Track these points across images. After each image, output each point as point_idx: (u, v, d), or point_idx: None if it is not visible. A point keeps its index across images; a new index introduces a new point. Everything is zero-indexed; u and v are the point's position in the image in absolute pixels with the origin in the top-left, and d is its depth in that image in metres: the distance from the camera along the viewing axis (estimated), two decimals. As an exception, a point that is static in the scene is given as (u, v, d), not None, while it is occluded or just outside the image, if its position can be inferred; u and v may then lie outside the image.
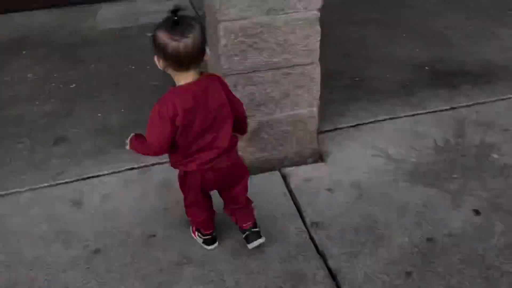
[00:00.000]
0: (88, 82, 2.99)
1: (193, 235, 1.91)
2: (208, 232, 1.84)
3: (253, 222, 1.80)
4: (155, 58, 1.46)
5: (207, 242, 1.86)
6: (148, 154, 1.64)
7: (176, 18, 1.37)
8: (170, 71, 1.48)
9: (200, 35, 1.41)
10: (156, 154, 1.60)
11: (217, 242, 1.87)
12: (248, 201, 1.81)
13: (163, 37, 1.39)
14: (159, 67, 1.48)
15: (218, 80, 1.57)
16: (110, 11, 4.04)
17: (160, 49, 1.41)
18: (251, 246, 1.79)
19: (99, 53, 3.35)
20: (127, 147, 1.64)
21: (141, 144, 1.59)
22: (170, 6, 1.38)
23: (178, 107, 1.44)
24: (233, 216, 1.81)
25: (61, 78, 3.05)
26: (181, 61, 1.42)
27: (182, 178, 1.68)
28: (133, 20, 3.81)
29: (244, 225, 1.79)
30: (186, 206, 1.79)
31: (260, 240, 1.79)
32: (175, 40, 1.38)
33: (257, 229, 1.80)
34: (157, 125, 1.49)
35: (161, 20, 1.42)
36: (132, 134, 1.64)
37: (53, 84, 2.99)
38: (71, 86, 2.96)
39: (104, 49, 3.40)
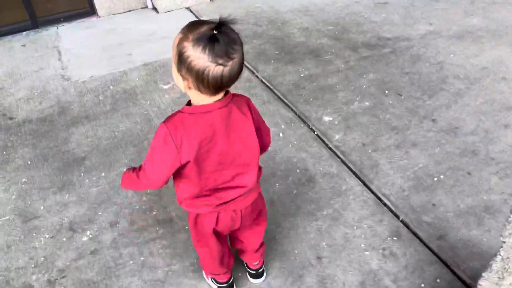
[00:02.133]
0: None
1: (205, 276, 1.72)
2: (223, 281, 1.63)
3: (262, 261, 1.68)
4: (178, 78, 1.15)
5: None
6: (141, 189, 1.35)
7: (215, 33, 1.06)
8: (193, 93, 1.17)
9: (242, 53, 1.13)
10: (150, 187, 1.30)
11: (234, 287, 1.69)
12: (262, 243, 1.62)
13: (200, 58, 1.07)
14: (180, 86, 1.17)
15: (247, 103, 1.26)
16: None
17: (194, 73, 1.09)
18: (254, 282, 1.71)
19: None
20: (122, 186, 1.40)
21: (130, 179, 1.33)
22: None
23: (192, 134, 1.16)
24: (242, 253, 1.64)
25: None
26: (220, 87, 1.13)
27: (193, 221, 1.40)
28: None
29: (253, 264, 1.66)
30: (196, 247, 1.52)
31: (263, 278, 1.70)
32: (219, 65, 1.08)
33: (263, 269, 1.70)
34: (159, 152, 1.20)
35: (189, 32, 1.09)
36: (124, 170, 1.39)
37: None
38: None
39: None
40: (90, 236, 1.92)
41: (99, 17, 4.03)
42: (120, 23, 3.88)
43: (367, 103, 2.57)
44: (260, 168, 1.35)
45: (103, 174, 2.23)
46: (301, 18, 3.64)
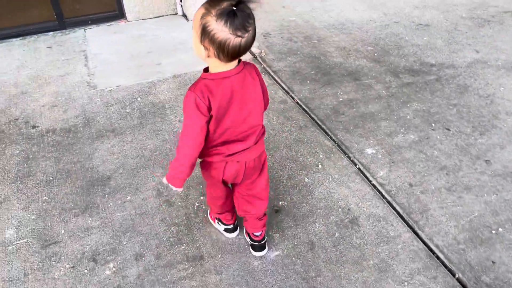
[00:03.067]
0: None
1: (211, 220, 1.97)
2: (229, 223, 1.90)
3: (264, 233, 1.82)
4: (200, 47, 1.31)
5: (229, 230, 1.91)
6: (188, 160, 1.46)
7: (235, 9, 1.23)
8: (211, 60, 1.34)
9: (255, 26, 1.31)
10: (195, 151, 1.45)
11: (238, 230, 1.92)
12: (264, 214, 1.80)
13: (223, 31, 1.24)
14: (200, 55, 1.34)
15: (255, 70, 1.47)
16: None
17: (216, 43, 1.26)
18: (255, 254, 1.85)
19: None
20: (174, 187, 1.53)
21: (174, 161, 1.49)
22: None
23: (215, 95, 1.36)
24: (246, 221, 1.81)
25: None
26: (238, 55, 1.31)
27: (205, 168, 1.61)
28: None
29: (255, 234, 1.81)
30: (207, 194, 1.79)
31: (265, 251, 1.86)
32: (239, 36, 1.25)
33: (264, 241, 1.84)
34: (194, 115, 1.38)
35: (211, 7, 1.24)
36: (165, 181, 1.55)
37: None
38: None
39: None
40: (114, 269, 1.77)
41: (128, 21, 3.91)
42: (149, 29, 3.75)
43: (412, 136, 2.39)
44: (263, 127, 1.55)
45: (128, 197, 2.09)
46: (338, 36, 3.48)
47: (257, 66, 3.12)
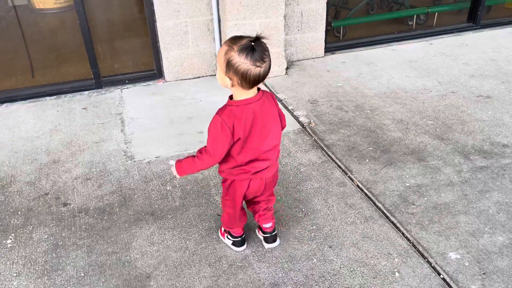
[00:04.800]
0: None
1: (221, 236, 2.09)
2: (237, 235, 2.01)
3: (273, 224, 2.00)
4: (225, 78, 1.54)
5: (236, 244, 2.02)
6: (204, 167, 1.69)
7: (253, 44, 1.48)
8: (235, 89, 1.57)
9: (270, 57, 1.54)
10: (210, 165, 1.68)
11: (245, 244, 2.04)
12: (272, 207, 1.99)
13: (244, 63, 1.48)
14: (225, 85, 1.57)
15: (272, 97, 1.70)
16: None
17: (240, 73, 1.50)
18: (268, 246, 2.04)
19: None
20: (177, 175, 1.74)
21: (192, 163, 1.69)
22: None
23: (240, 119, 1.57)
24: (256, 213, 1.97)
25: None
26: (258, 82, 1.54)
27: (228, 185, 1.79)
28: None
29: (265, 226, 1.99)
30: (223, 206, 1.92)
31: (277, 243, 2.04)
32: (258, 67, 1.50)
33: (275, 232, 2.03)
34: (219, 136, 1.59)
35: (233, 44, 1.49)
36: (172, 163, 1.76)
37: None
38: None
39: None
40: None
41: (166, 81, 3.75)
42: (188, 91, 3.57)
43: (500, 238, 2.05)
44: (279, 147, 1.76)
45: (172, 306, 1.77)
46: (392, 106, 3.22)
47: (308, 138, 2.86)
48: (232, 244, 2.02)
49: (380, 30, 4.67)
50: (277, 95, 3.46)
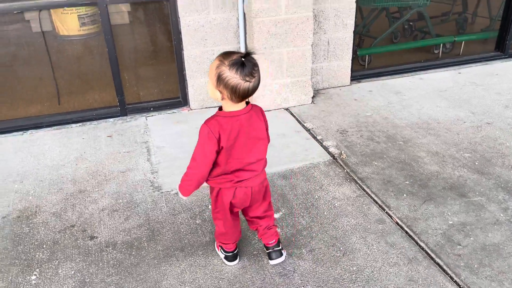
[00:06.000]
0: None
1: (216, 249, 2.13)
2: (229, 250, 2.04)
3: (277, 240, 2.03)
4: (216, 91, 1.63)
5: (228, 258, 2.05)
6: (196, 178, 1.76)
7: (243, 60, 1.57)
8: (225, 102, 1.66)
9: (259, 72, 1.64)
10: (202, 172, 1.74)
11: (238, 259, 2.07)
12: (274, 225, 2.05)
13: (234, 77, 1.57)
14: (215, 98, 1.65)
15: (261, 111, 1.79)
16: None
17: (229, 87, 1.59)
18: (273, 262, 2.04)
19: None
20: (182, 196, 1.83)
21: (185, 176, 1.79)
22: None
23: (225, 129, 1.66)
24: (259, 232, 2.03)
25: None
26: (247, 96, 1.63)
27: (215, 195, 1.85)
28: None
29: (269, 242, 2.02)
30: (214, 220, 1.97)
31: (282, 258, 2.04)
32: (247, 81, 1.59)
33: (279, 248, 2.04)
34: (205, 144, 1.68)
35: (224, 59, 1.58)
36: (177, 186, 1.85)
37: None
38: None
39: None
40: None
41: (191, 109, 3.71)
42: (214, 119, 3.52)
43: (559, 284, 1.90)
44: (265, 160, 1.84)
45: None
46: (425, 138, 3.11)
47: (340, 171, 2.76)
48: (224, 258, 2.06)
49: (405, 58, 4.61)
50: (304, 124, 3.38)
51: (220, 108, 1.72)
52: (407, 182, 2.62)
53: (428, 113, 3.48)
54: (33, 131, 3.33)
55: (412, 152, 2.95)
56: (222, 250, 2.06)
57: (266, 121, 1.81)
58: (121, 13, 5.56)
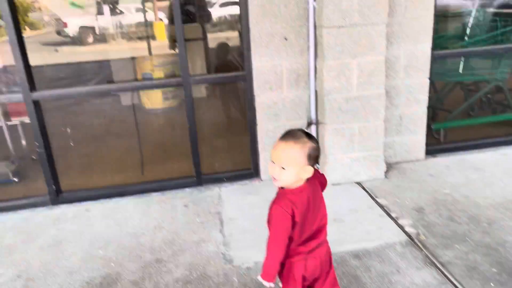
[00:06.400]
0: None
1: None
2: None
3: None
4: (305, 170, 1.69)
5: None
6: (279, 261, 1.76)
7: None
8: (296, 180, 1.72)
9: None
10: (283, 252, 1.75)
11: None
12: None
13: (316, 148, 1.71)
14: (297, 180, 1.71)
15: (318, 181, 1.85)
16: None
17: (312, 159, 1.70)
18: None
19: None
20: (268, 283, 1.77)
21: (266, 261, 1.77)
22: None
23: (298, 206, 1.70)
24: None
25: None
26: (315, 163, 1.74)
27: (288, 270, 1.83)
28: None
29: None
30: None
31: None
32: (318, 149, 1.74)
33: None
34: (281, 224, 1.70)
35: (298, 137, 1.71)
36: (260, 279, 1.78)
37: None
38: None
39: None
40: None
41: (262, 180, 3.81)
42: (284, 192, 3.58)
43: None
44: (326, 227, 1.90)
45: None
46: (513, 220, 2.89)
47: (418, 253, 2.61)
48: None
49: (484, 132, 4.41)
50: (377, 199, 3.30)
51: (281, 188, 1.76)
52: (494, 270, 2.41)
53: (515, 192, 3.24)
54: (119, 198, 3.60)
55: (499, 235, 2.72)
56: None
57: (320, 179, 1.87)
58: (200, 88, 6.06)
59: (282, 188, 1.76)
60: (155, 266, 2.66)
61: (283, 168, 1.68)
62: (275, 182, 1.73)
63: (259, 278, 1.79)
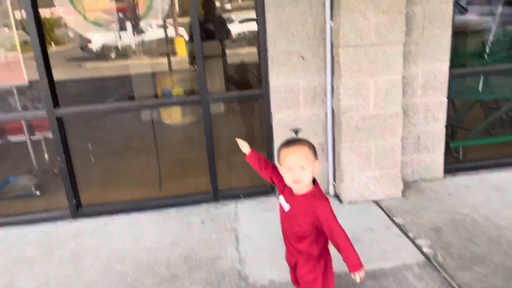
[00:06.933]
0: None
1: None
2: None
3: None
4: (313, 166, 1.88)
5: None
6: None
7: None
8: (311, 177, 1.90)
9: None
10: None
11: None
12: None
13: (312, 144, 1.93)
14: (310, 177, 1.88)
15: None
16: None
17: (315, 154, 1.91)
18: None
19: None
20: (363, 272, 1.82)
21: (353, 252, 1.82)
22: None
23: None
24: None
25: None
26: None
27: (323, 265, 1.99)
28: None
29: None
30: None
31: None
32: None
33: None
34: (335, 215, 1.85)
35: (302, 141, 1.92)
36: (357, 276, 1.80)
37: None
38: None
39: None
40: None
41: (277, 197, 3.82)
42: (300, 209, 3.57)
43: None
44: None
45: None
46: (535, 243, 2.81)
47: (436, 275, 2.57)
48: None
49: (506, 151, 4.32)
50: (394, 219, 3.26)
51: (313, 182, 1.94)
52: (516, 295, 2.35)
53: (537, 214, 3.16)
54: (137, 213, 3.66)
55: (521, 258, 2.66)
56: None
57: None
58: (218, 104, 6.13)
59: (303, 194, 1.90)
60: (171, 283, 2.69)
61: (302, 168, 1.83)
62: (299, 184, 1.85)
63: (357, 274, 1.79)
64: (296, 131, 1.95)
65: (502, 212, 3.23)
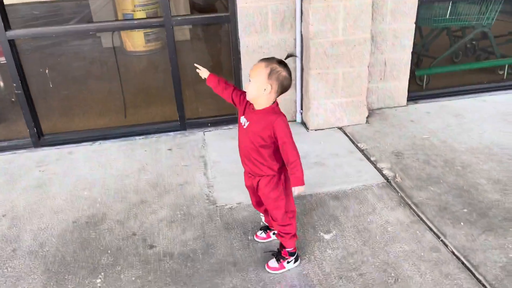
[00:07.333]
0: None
1: (280, 270, 2.20)
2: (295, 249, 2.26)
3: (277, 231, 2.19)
4: (264, 86, 1.86)
5: (297, 258, 2.24)
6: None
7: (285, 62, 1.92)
8: (270, 95, 1.90)
9: None
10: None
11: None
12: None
13: (284, 71, 1.87)
14: (259, 94, 1.89)
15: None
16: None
17: (280, 80, 1.87)
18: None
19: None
20: (302, 188, 1.93)
21: (300, 168, 1.92)
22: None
23: None
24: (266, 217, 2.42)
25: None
26: (285, 91, 1.94)
27: (287, 180, 2.07)
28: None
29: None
30: (287, 215, 2.13)
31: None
32: (291, 79, 1.91)
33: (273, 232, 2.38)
34: (290, 130, 1.92)
35: (275, 60, 1.89)
36: (297, 190, 1.93)
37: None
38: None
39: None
40: None
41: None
42: (268, 136, 3.61)
43: None
44: None
45: None
46: (486, 164, 3.00)
47: (394, 194, 2.73)
48: (294, 261, 2.22)
49: (466, 79, 4.45)
50: (357, 144, 3.37)
51: (273, 103, 1.95)
52: (465, 210, 2.54)
53: (490, 138, 3.34)
54: (102, 142, 3.60)
55: (472, 178, 2.85)
56: (291, 256, 2.18)
57: None
58: (183, 30, 5.87)
59: (262, 109, 1.92)
60: (140, 207, 2.73)
61: (250, 80, 1.89)
62: (247, 95, 1.94)
63: (297, 189, 1.90)
64: (287, 56, 1.96)
65: (459, 137, 3.39)
